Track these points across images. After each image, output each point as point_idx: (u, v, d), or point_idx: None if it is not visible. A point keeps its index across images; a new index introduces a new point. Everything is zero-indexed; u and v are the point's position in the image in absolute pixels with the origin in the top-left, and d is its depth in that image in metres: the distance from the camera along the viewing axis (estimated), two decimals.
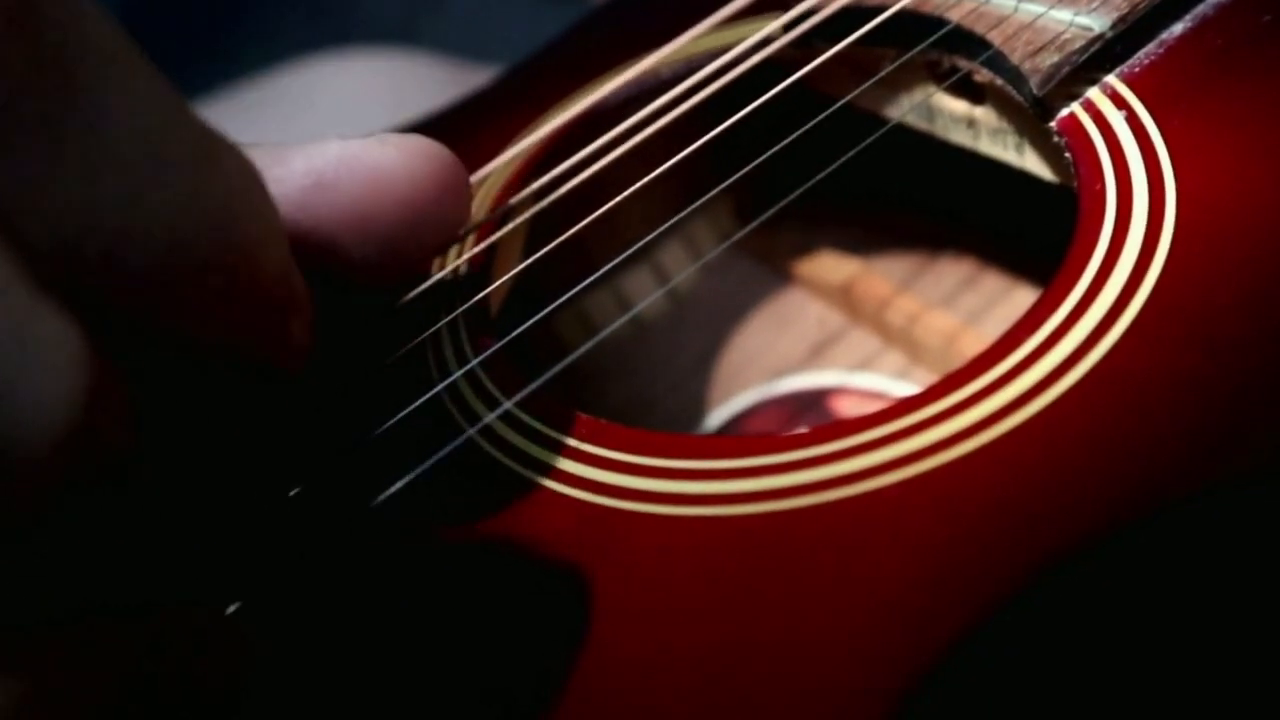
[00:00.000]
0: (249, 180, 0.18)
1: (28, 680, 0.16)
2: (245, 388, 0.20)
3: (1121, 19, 0.27)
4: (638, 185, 0.27)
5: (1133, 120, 0.25)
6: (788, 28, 0.31)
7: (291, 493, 0.23)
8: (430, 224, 0.23)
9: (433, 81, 0.56)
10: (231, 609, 0.21)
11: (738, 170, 0.28)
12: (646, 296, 0.37)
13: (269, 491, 0.23)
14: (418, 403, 0.24)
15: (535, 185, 0.28)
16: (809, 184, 0.28)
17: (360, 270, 0.23)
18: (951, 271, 0.36)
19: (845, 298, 0.36)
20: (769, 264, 0.38)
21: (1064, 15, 0.27)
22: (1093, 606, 0.19)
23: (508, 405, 0.24)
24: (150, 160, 0.16)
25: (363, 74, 0.58)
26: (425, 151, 0.23)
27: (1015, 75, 0.27)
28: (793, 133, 0.28)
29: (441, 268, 0.28)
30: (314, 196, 0.22)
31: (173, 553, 0.21)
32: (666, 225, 0.29)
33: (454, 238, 0.24)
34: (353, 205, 0.22)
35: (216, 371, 0.19)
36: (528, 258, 0.28)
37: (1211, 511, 0.19)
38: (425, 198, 0.22)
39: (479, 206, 0.30)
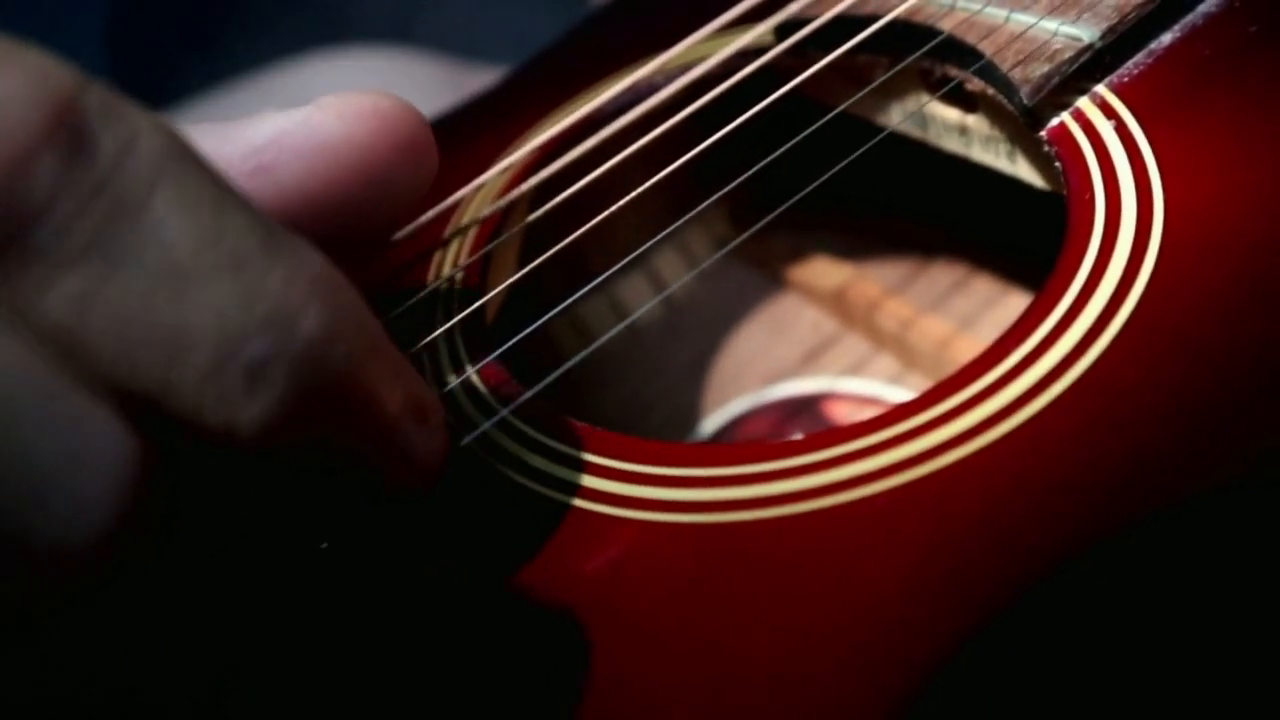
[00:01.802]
0: (318, 274, 0.17)
1: None
2: (356, 501, 0.19)
3: (1111, 29, 0.27)
4: (634, 194, 0.27)
5: (1121, 130, 0.26)
6: (779, 33, 0.31)
7: (287, 500, 0.23)
8: (391, 187, 0.21)
9: (427, 80, 0.56)
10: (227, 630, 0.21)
11: (732, 177, 0.28)
12: (642, 303, 0.38)
13: (264, 504, 0.23)
14: None
15: (528, 187, 0.29)
16: (804, 192, 0.28)
17: (328, 244, 0.21)
18: (944, 277, 0.37)
19: (839, 303, 0.36)
20: (763, 269, 0.38)
21: (1054, 25, 0.28)
22: (1084, 612, 0.19)
23: (504, 413, 0.24)
24: (203, 268, 0.16)
25: (356, 72, 0.58)
26: (372, 111, 0.21)
27: (1006, 85, 0.27)
28: (787, 140, 0.28)
29: (437, 276, 0.28)
30: (257, 181, 0.20)
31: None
32: (663, 234, 0.29)
33: (421, 194, 0.23)
34: (298, 184, 0.20)
35: (319, 484, 0.19)
36: (523, 266, 0.28)
37: (1200, 518, 0.19)
38: (379, 162, 0.21)
39: (474, 213, 0.30)
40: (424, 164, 0.22)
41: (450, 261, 0.29)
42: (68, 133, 0.15)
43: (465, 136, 0.35)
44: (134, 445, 0.15)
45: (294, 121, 0.21)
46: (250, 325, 0.16)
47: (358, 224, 0.21)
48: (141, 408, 0.16)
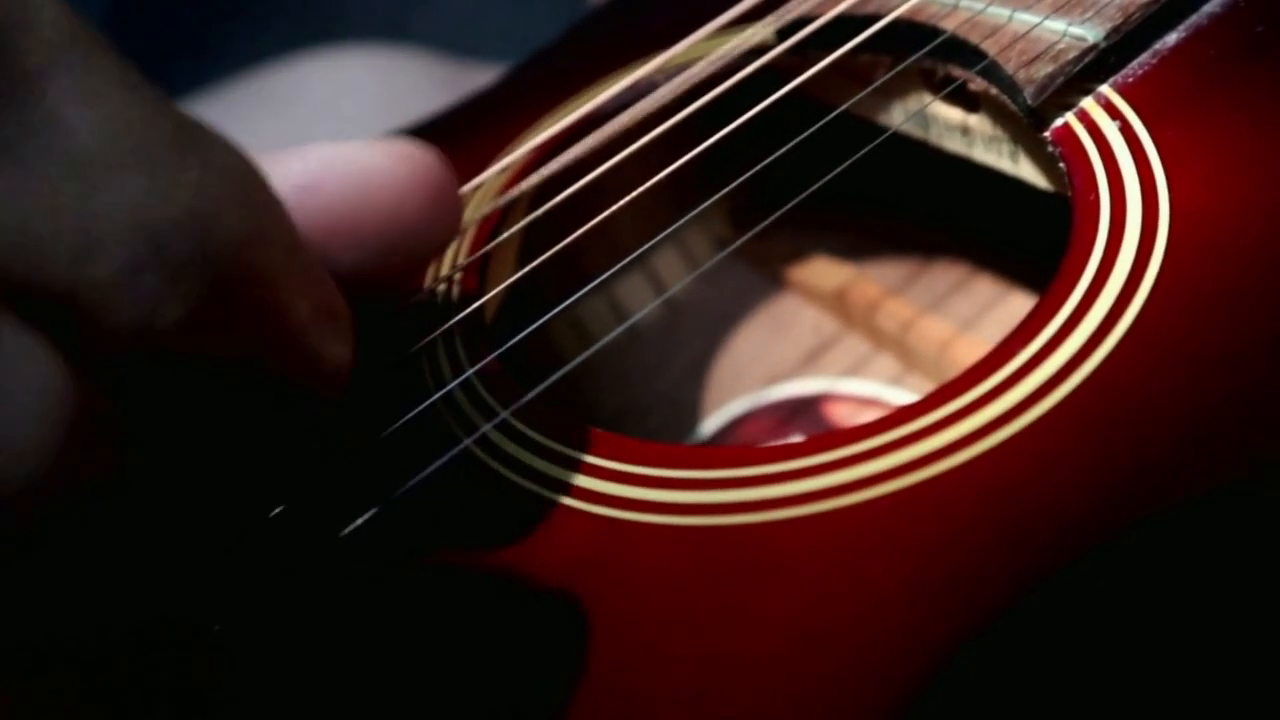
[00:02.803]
0: (238, 174, 0.17)
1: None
2: (257, 407, 0.19)
3: (1115, 29, 0.27)
4: (634, 194, 0.27)
5: (1126, 130, 0.26)
6: (780, 32, 0.31)
7: (287, 503, 0.23)
8: (419, 232, 0.22)
9: (423, 78, 0.56)
10: (216, 628, 0.21)
11: (733, 177, 0.28)
12: (642, 304, 0.37)
13: (264, 504, 0.23)
14: (414, 413, 0.24)
15: (528, 186, 0.28)
16: (806, 192, 0.28)
17: (348, 281, 0.21)
18: (945, 278, 0.36)
19: (840, 304, 0.36)
20: (763, 270, 0.38)
21: (1058, 25, 0.27)
22: (1087, 617, 0.19)
23: (504, 415, 0.24)
24: (109, 158, 0.15)
25: (352, 71, 0.57)
26: (414, 157, 0.22)
27: (1010, 85, 0.27)
28: (788, 140, 0.28)
29: (436, 277, 0.28)
30: (303, 199, 0.20)
31: (157, 567, 0.20)
32: (663, 234, 0.29)
33: (441, 250, 0.23)
34: (341, 210, 0.21)
35: (229, 391, 0.18)
36: (522, 266, 0.28)
37: (1206, 522, 0.19)
38: (413, 204, 0.21)
39: (473, 213, 0.30)
40: (451, 214, 0.22)
41: (449, 262, 0.29)
42: None
43: (463, 135, 0.35)
44: (60, 371, 0.15)
45: (342, 151, 0.21)
46: (166, 222, 0.15)
47: (386, 257, 0.22)
48: (56, 317, 0.15)
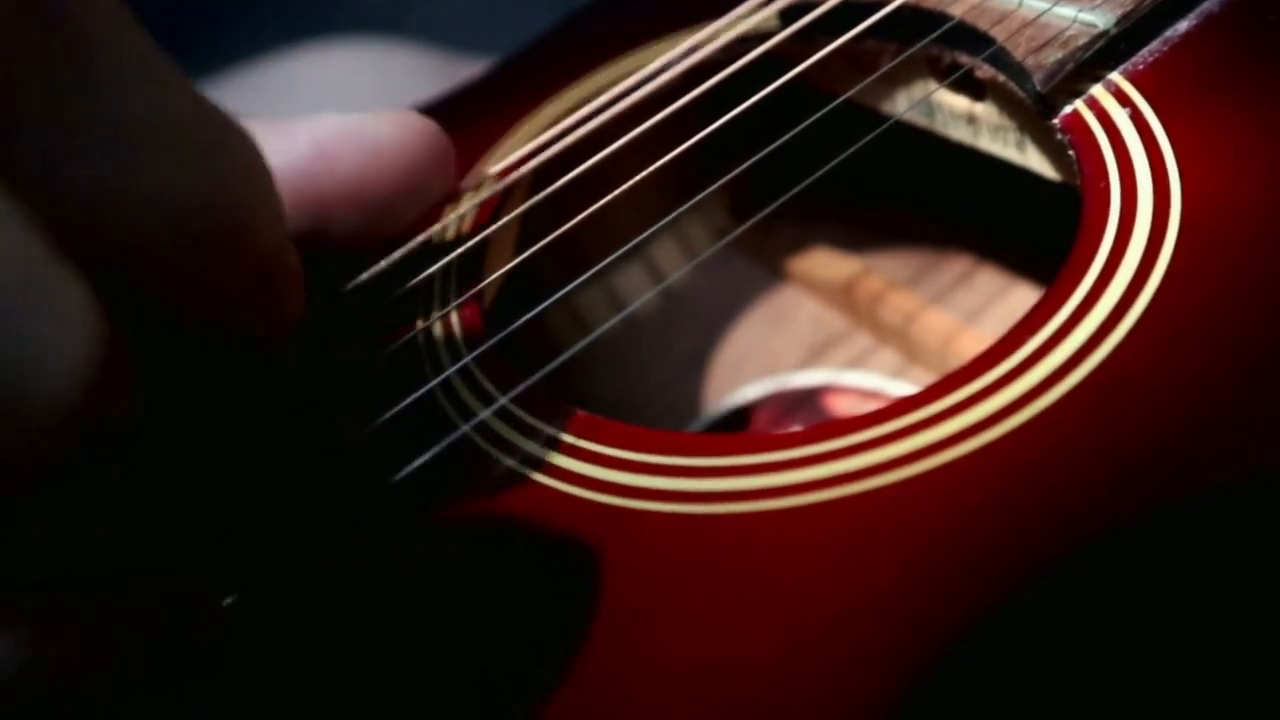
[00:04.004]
0: (254, 160, 0.18)
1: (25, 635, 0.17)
2: (237, 361, 0.20)
3: (1126, 15, 0.26)
4: (632, 181, 0.27)
5: (1137, 118, 0.25)
6: (784, 17, 0.30)
7: (284, 490, 0.22)
8: (421, 196, 0.24)
9: (419, 72, 0.56)
10: (227, 601, 0.21)
11: (734, 166, 0.27)
12: (640, 293, 0.37)
13: (262, 487, 0.23)
14: (412, 398, 0.24)
15: (526, 170, 0.28)
16: (806, 182, 0.27)
17: (349, 238, 0.24)
18: (949, 270, 0.36)
19: (842, 296, 0.36)
20: (764, 261, 0.38)
21: (1068, 11, 0.27)
22: (1093, 609, 0.19)
23: (503, 401, 0.24)
24: (162, 140, 0.16)
25: (347, 64, 0.58)
26: (418, 126, 0.24)
27: (1018, 71, 0.27)
28: (790, 128, 0.27)
29: (434, 261, 0.28)
30: (317, 167, 0.23)
31: (163, 529, 0.21)
32: (661, 222, 0.28)
33: (437, 202, 0.26)
34: (352, 176, 0.23)
35: (213, 342, 0.20)
36: (521, 253, 0.28)
37: (1215, 514, 0.19)
38: (418, 170, 0.24)
39: (472, 199, 0.29)
40: (448, 177, 0.25)
41: (448, 247, 0.28)
42: None
43: (460, 123, 0.34)
44: (95, 303, 0.16)
45: (354, 120, 0.23)
46: (194, 201, 0.17)
47: (387, 219, 0.24)
48: (93, 273, 0.16)
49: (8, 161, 0.15)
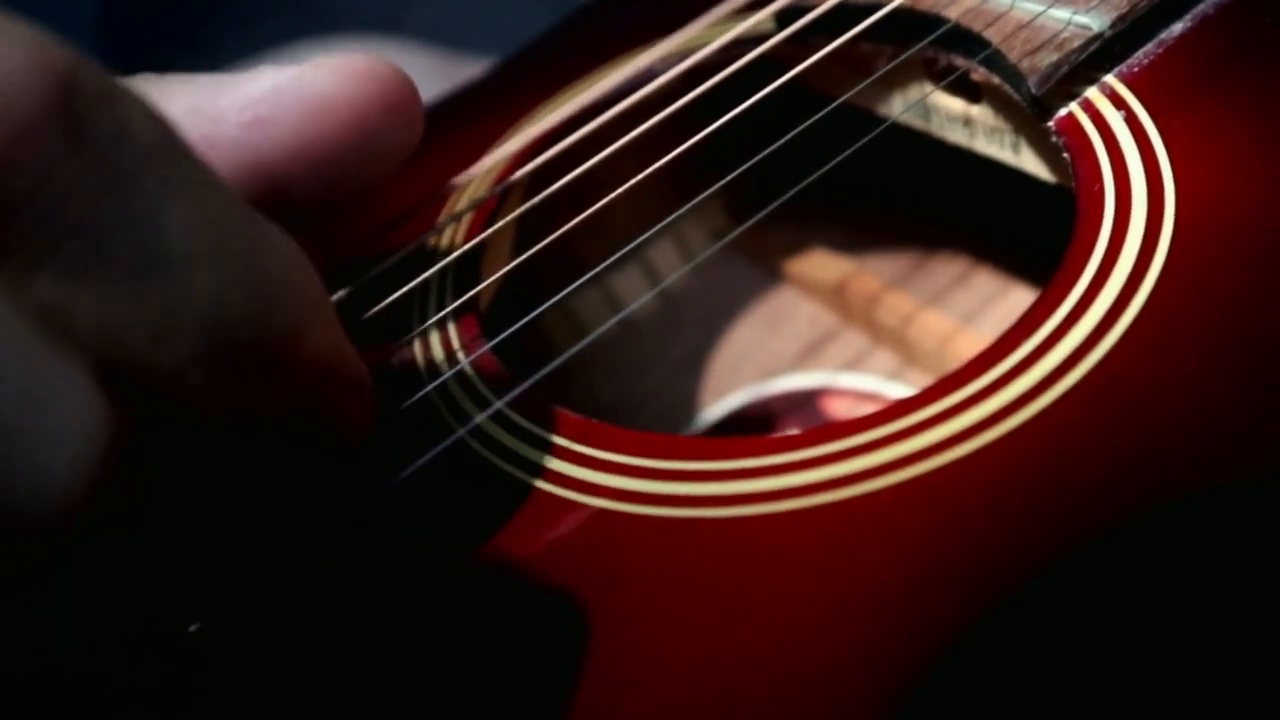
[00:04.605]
0: (291, 260, 0.18)
1: None
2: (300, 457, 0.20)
3: (1121, 18, 0.26)
4: (629, 184, 0.27)
5: (1132, 121, 0.25)
6: (780, 20, 0.30)
7: (279, 493, 0.22)
8: (379, 145, 0.22)
9: (418, 72, 0.55)
10: (192, 628, 0.21)
11: (730, 168, 0.27)
12: (637, 295, 0.37)
13: (256, 492, 0.23)
14: (408, 403, 0.24)
15: (523, 174, 0.28)
16: (803, 184, 0.28)
17: (311, 203, 0.22)
18: (945, 271, 0.36)
19: (838, 297, 0.36)
20: (761, 263, 0.38)
21: (1063, 14, 0.27)
22: (1091, 610, 0.19)
23: (499, 405, 0.24)
24: (192, 255, 0.16)
25: None
26: (366, 72, 0.21)
27: (1013, 74, 0.27)
28: (787, 131, 0.27)
29: (431, 265, 0.28)
30: (252, 135, 0.21)
31: (148, 577, 0.21)
32: (660, 225, 0.28)
33: (406, 155, 0.23)
34: (294, 137, 0.21)
35: (273, 442, 0.19)
36: (517, 256, 0.28)
37: (1211, 516, 0.19)
38: (370, 122, 0.21)
39: (469, 201, 0.29)
40: (411, 125, 0.22)
41: (444, 250, 0.28)
42: (67, 111, 0.15)
43: (459, 124, 0.35)
44: (104, 408, 0.15)
45: (290, 76, 0.21)
46: (236, 312, 0.17)
47: (345, 180, 0.22)
48: (118, 378, 0.16)
49: (31, 267, 0.15)
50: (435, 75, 0.53)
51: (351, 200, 0.22)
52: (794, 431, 0.22)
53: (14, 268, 0.15)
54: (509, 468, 0.23)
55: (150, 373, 0.16)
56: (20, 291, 0.15)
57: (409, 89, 0.22)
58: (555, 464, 0.22)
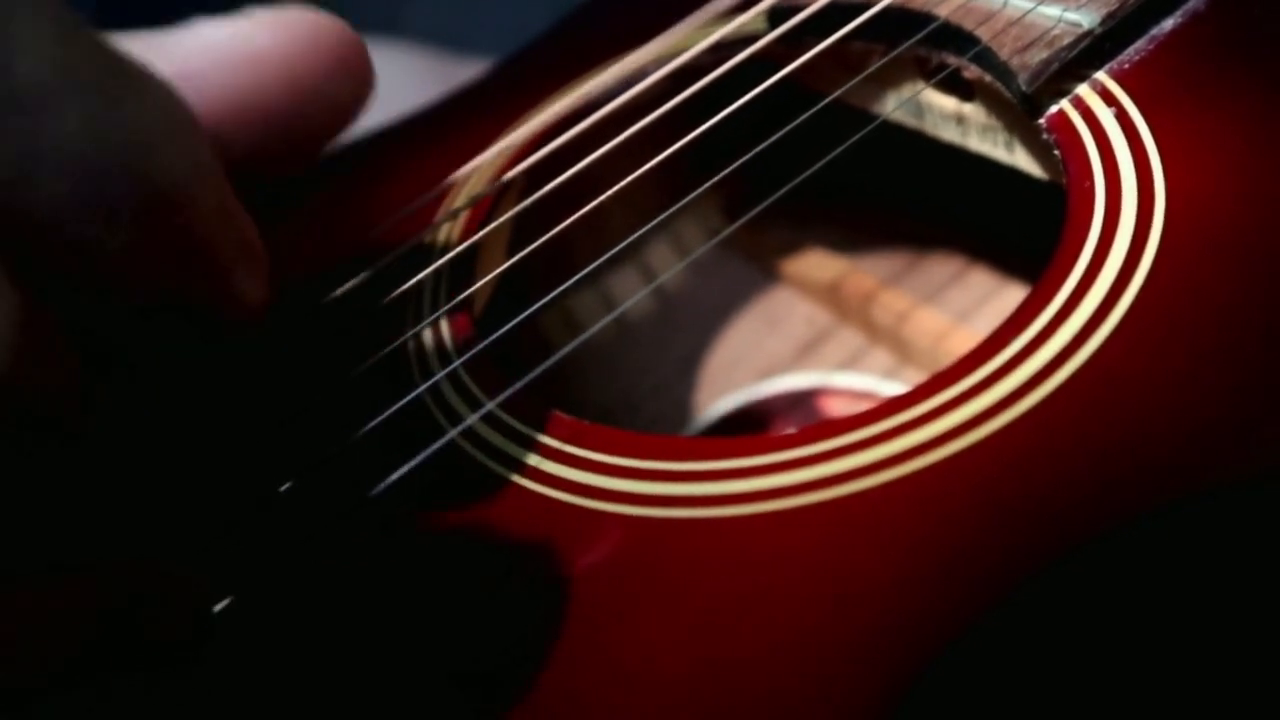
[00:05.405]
0: (168, 112, 0.17)
1: None
2: (203, 345, 0.20)
3: (1111, 15, 0.26)
4: (624, 183, 0.27)
5: (1122, 117, 0.25)
6: (772, 19, 0.30)
7: (273, 493, 0.23)
8: (320, 100, 0.21)
9: (416, 72, 0.56)
10: (221, 605, 0.21)
11: (725, 167, 0.27)
12: (632, 295, 0.37)
13: (247, 493, 0.23)
14: (400, 403, 0.24)
15: (517, 172, 0.28)
16: (796, 181, 0.28)
17: (255, 162, 0.21)
18: (940, 269, 0.36)
19: (834, 296, 0.36)
20: (757, 263, 0.38)
21: (1053, 11, 0.27)
22: (1085, 607, 0.19)
23: (490, 406, 0.24)
24: (46, 95, 0.16)
25: None
26: (304, 26, 0.21)
27: (1004, 71, 0.27)
28: (780, 129, 0.27)
29: (426, 265, 0.28)
30: (186, 90, 0.19)
31: (138, 520, 0.21)
32: (654, 223, 0.28)
33: (354, 115, 0.22)
34: (226, 96, 0.20)
35: (162, 323, 0.19)
36: (512, 255, 0.28)
37: (1202, 513, 0.19)
38: (309, 77, 0.21)
39: (464, 200, 0.29)
40: (357, 78, 0.22)
41: (439, 250, 0.28)
42: None
43: (455, 125, 0.35)
44: (9, 296, 0.15)
45: (223, 32, 0.21)
46: (102, 157, 0.16)
47: (288, 137, 0.21)
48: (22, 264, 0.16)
49: None
50: (433, 76, 0.53)
51: (304, 157, 0.22)
52: (789, 431, 0.22)
53: None
54: (500, 469, 0.23)
55: (25, 219, 0.16)
56: None
57: (353, 44, 0.21)
58: (547, 465, 0.22)
